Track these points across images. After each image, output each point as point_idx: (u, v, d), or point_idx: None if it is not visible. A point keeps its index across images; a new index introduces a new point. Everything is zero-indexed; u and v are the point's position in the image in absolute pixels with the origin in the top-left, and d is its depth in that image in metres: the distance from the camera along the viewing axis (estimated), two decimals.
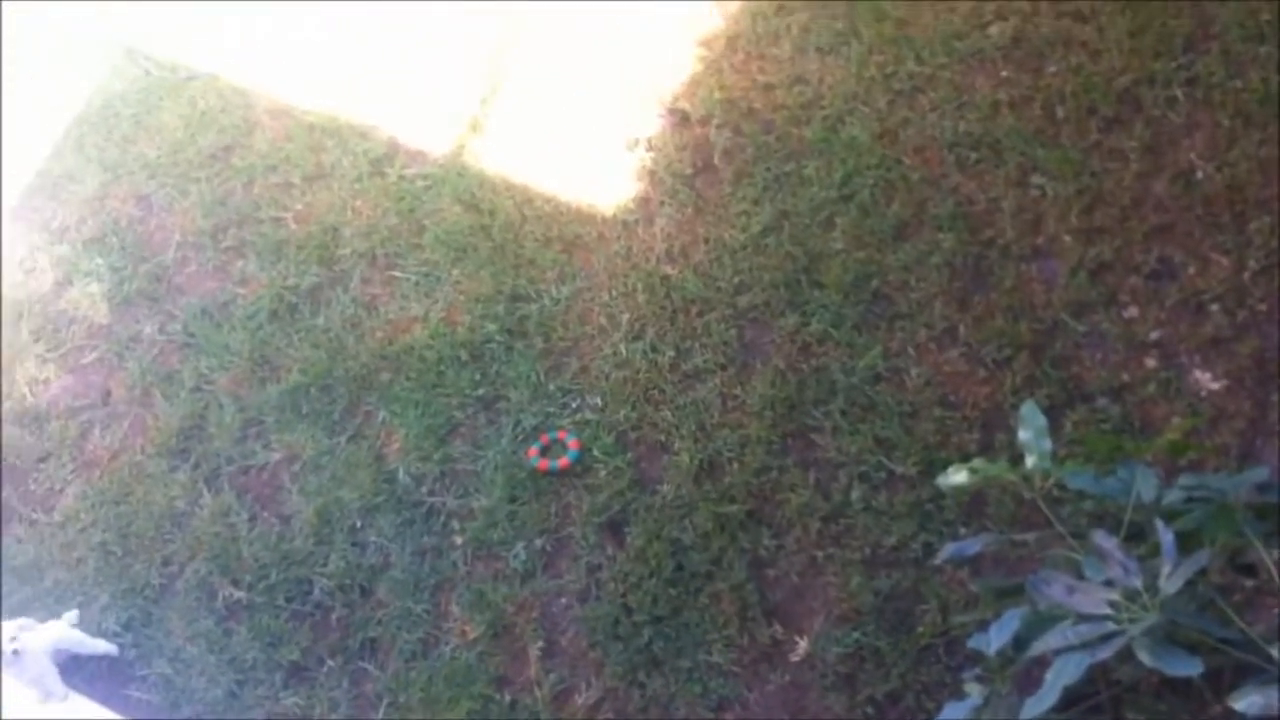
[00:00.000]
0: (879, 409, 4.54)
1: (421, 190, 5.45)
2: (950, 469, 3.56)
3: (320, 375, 5.03)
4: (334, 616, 4.56)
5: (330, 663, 4.48)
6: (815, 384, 4.64)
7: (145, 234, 5.61)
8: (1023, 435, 3.46)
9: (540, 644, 4.36)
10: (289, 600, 4.60)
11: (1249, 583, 3.82)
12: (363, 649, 4.48)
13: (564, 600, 4.44)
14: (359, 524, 4.71)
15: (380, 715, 4.34)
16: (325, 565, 4.65)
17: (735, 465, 4.54)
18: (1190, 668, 2.81)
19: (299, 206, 5.54)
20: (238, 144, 5.79)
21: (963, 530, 4.27)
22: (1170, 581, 2.95)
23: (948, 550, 3.65)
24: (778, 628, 4.25)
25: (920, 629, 4.15)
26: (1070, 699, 3.03)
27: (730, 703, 4.16)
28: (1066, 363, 4.51)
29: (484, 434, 4.80)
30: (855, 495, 4.41)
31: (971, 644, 3.33)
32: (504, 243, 5.21)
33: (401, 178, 5.50)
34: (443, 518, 4.67)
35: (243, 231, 5.52)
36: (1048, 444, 3.41)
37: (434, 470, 4.75)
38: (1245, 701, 2.74)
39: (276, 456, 4.91)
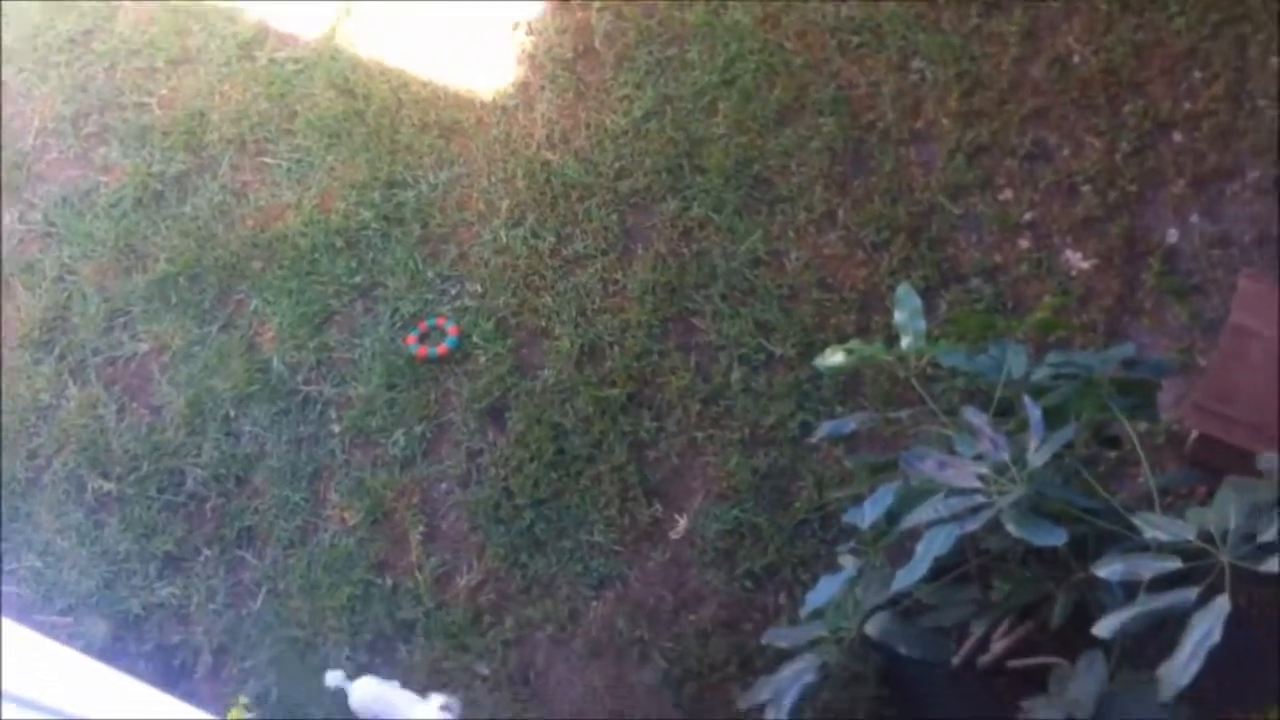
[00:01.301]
0: (759, 292, 4.57)
1: (293, 74, 5.29)
2: (827, 350, 3.61)
3: (189, 264, 4.89)
4: (208, 506, 4.49)
5: (206, 552, 4.42)
6: (696, 268, 4.65)
7: (3, 121, 5.38)
8: (898, 316, 3.50)
9: (421, 529, 4.35)
10: (161, 491, 4.52)
11: (1112, 454, 3.96)
12: (239, 538, 4.43)
13: (444, 486, 4.43)
14: (233, 414, 4.62)
15: (259, 603, 4.30)
16: (198, 456, 4.56)
17: (616, 349, 4.54)
18: (1055, 538, 2.89)
19: (164, 91, 5.34)
20: (99, 28, 5.55)
21: (839, 409, 4.34)
22: (1037, 455, 3.02)
23: (824, 429, 3.70)
24: (658, 507, 4.30)
25: (797, 505, 4.23)
26: (940, 569, 3.12)
27: (611, 580, 4.21)
28: (942, 244, 4.58)
29: (361, 322, 4.73)
30: (735, 377, 4.45)
31: (846, 519, 3.40)
32: (379, 128, 5.09)
33: (272, 61, 5.33)
34: (319, 406, 4.60)
35: (105, 118, 5.31)
36: (922, 325, 3.46)
37: (310, 359, 4.67)
38: (1108, 569, 2.84)
39: (145, 347, 4.79)
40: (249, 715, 1.30)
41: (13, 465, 4.62)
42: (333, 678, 3.95)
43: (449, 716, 3.82)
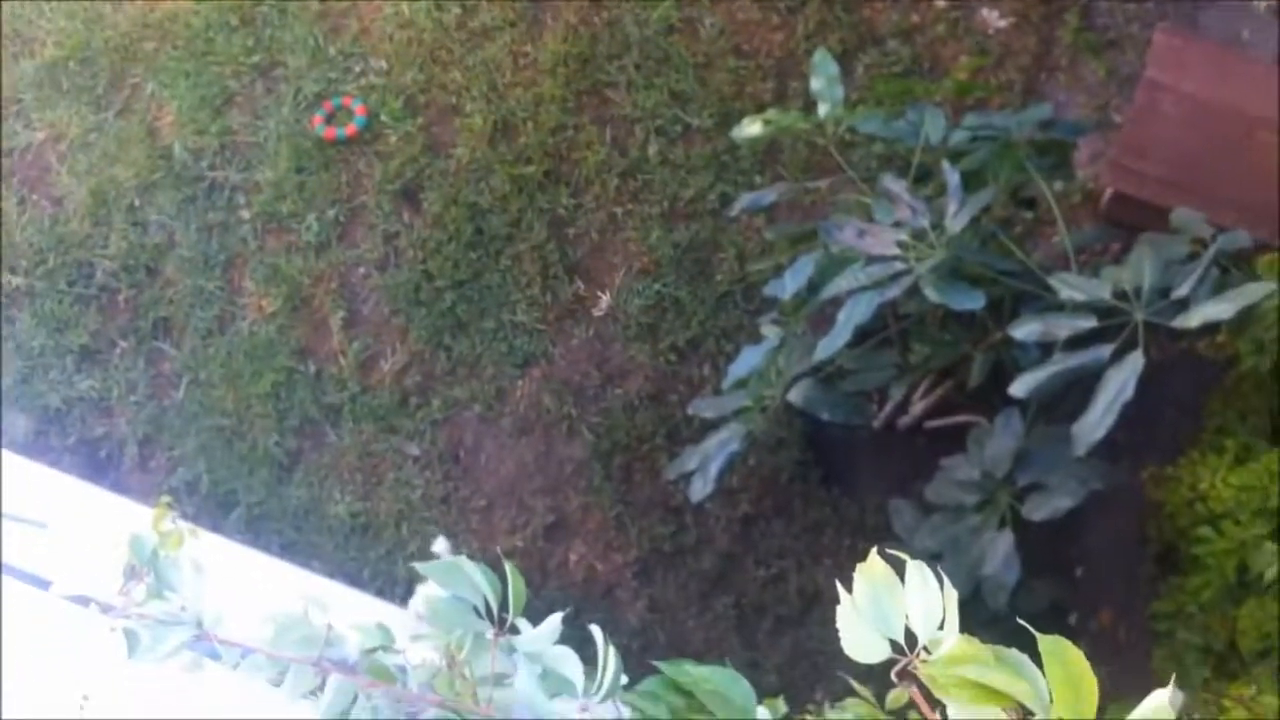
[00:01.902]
0: (673, 61, 4.45)
1: None
2: (745, 120, 3.56)
3: (78, 48, 4.64)
4: (121, 298, 4.39)
5: (122, 344, 4.35)
6: (608, 38, 4.51)
7: None
8: (815, 84, 3.45)
9: (341, 314, 4.30)
10: (71, 284, 4.40)
11: (1029, 215, 3.98)
12: (155, 329, 4.36)
13: (362, 270, 4.37)
14: (137, 203, 4.48)
15: (181, 394, 4.27)
16: (106, 247, 4.44)
17: (530, 125, 4.43)
18: (974, 301, 2.92)
19: None
20: None
21: (758, 179, 4.30)
22: (956, 220, 3.03)
23: (743, 201, 3.68)
24: (580, 284, 4.28)
25: (718, 277, 4.23)
26: (860, 336, 3.15)
27: (536, 359, 4.21)
28: (858, 6, 4.47)
29: (263, 103, 4.55)
30: (652, 150, 4.38)
31: (767, 290, 3.42)
32: None
33: None
34: (227, 192, 4.47)
35: None
36: (840, 91, 3.42)
37: (213, 144, 4.51)
38: (1024, 329, 2.88)
39: (40, 136, 4.59)
40: (172, 510, 1.29)
41: None
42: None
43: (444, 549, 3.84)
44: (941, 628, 0.99)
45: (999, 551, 3.09)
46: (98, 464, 4.21)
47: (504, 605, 1.34)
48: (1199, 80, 3.85)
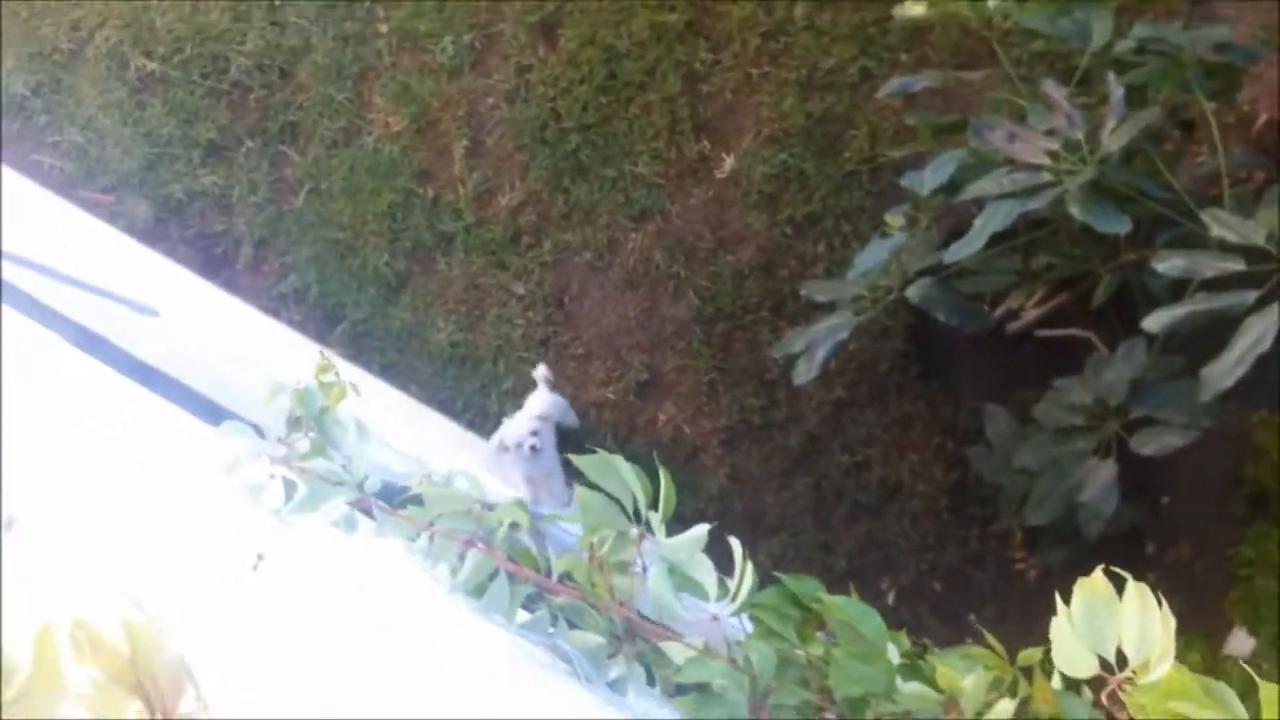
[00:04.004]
0: None
1: None
2: (908, 1, 3.42)
3: None
4: (252, 97, 4.41)
5: (249, 144, 4.38)
6: None
7: None
8: None
9: (465, 142, 4.28)
10: (204, 77, 4.42)
11: (1177, 133, 3.84)
12: (282, 133, 4.38)
13: (491, 100, 4.33)
14: (278, 2, 4.45)
15: (300, 201, 4.30)
16: (243, 43, 4.43)
17: None
18: (1120, 225, 2.84)
19: None
20: None
21: (904, 57, 4.19)
22: (1113, 138, 2.93)
23: (892, 85, 3.57)
24: (706, 143, 4.22)
25: (846, 155, 4.15)
26: (989, 241, 3.07)
27: (653, 214, 4.18)
28: None
29: None
30: (798, 12, 4.26)
31: (905, 182, 3.33)
32: None
33: None
34: (367, 3, 4.43)
35: None
36: None
37: None
38: (1168, 263, 2.79)
39: None
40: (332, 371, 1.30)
41: (55, 35, 4.50)
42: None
43: (547, 376, 3.89)
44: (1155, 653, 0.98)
45: (1100, 480, 3.06)
46: (213, 260, 4.27)
47: (653, 504, 1.35)
48: None
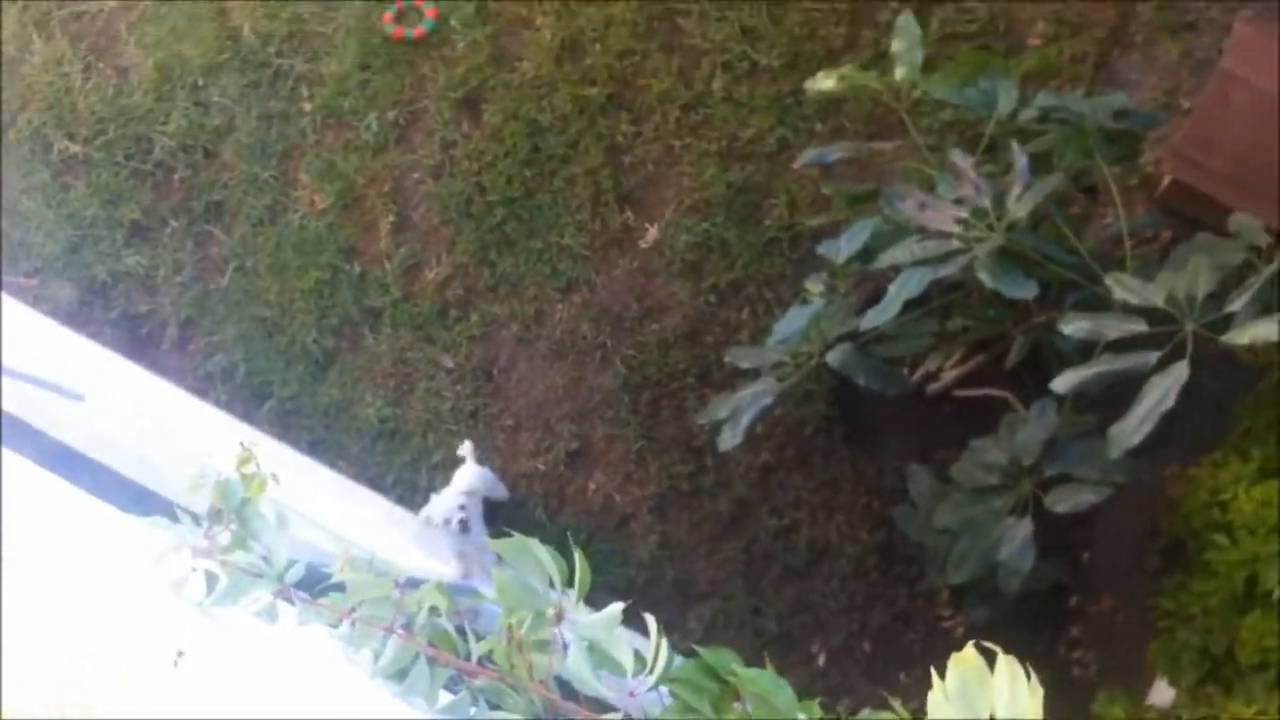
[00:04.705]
0: None
1: None
2: (820, 75, 3.52)
3: None
4: (176, 177, 4.43)
5: (174, 223, 4.39)
6: None
7: None
8: (896, 45, 3.41)
9: (391, 218, 4.33)
10: (128, 158, 4.44)
11: (1083, 198, 3.96)
12: (207, 212, 4.40)
13: (416, 175, 4.38)
14: (201, 82, 4.49)
15: (226, 280, 4.32)
16: (166, 124, 4.46)
17: (598, 46, 4.42)
18: (1027, 290, 2.93)
19: None
20: None
21: (819, 127, 4.30)
22: (1020, 204, 3.03)
23: (808, 155, 3.66)
24: (630, 215, 4.29)
25: (767, 223, 4.24)
26: (905, 306, 3.15)
27: (579, 285, 4.24)
28: None
29: None
30: (717, 85, 4.37)
31: (821, 250, 3.41)
32: None
33: None
34: (291, 81, 4.48)
35: None
36: (919, 56, 3.38)
37: (282, 30, 4.51)
38: (1074, 326, 2.88)
39: (112, 4, 4.58)
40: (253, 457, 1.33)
41: None
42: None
43: (473, 450, 3.91)
44: None
45: (1017, 538, 3.14)
46: (138, 341, 4.27)
47: (569, 582, 1.39)
48: (1276, 77, 3.80)
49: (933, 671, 1.09)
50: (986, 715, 1.04)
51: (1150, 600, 3.56)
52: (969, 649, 1.08)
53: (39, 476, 1.89)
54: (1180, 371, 2.76)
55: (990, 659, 1.06)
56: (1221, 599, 3.21)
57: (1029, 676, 1.04)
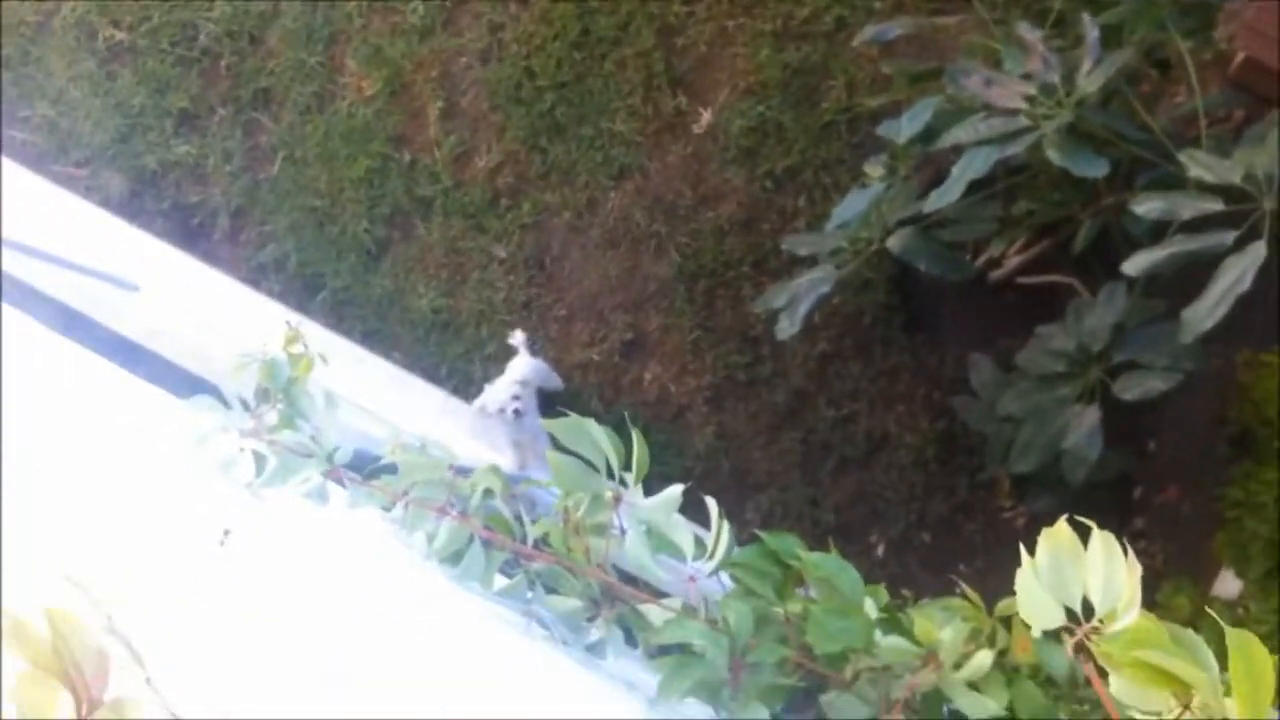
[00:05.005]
0: None
1: None
2: None
3: None
4: (223, 64, 4.36)
5: (221, 111, 4.33)
6: None
7: None
8: None
9: (440, 104, 4.24)
10: (174, 45, 4.37)
11: (1154, 73, 3.81)
12: (255, 99, 4.33)
13: (464, 60, 4.28)
14: None
15: (276, 169, 4.26)
16: (210, 10, 4.38)
17: None
18: (1098, 168, 2.82)
19: None
20: None
21: (878, 4, 4.15)
22: (1090, 79, 2.90)
23: (867, 33, 3.53)
24: (683, 98, 4.18)
25: (824, 105, 4.12)
26: (969, 187, 3.05)
27: (631, 171, 4.15)
28: None
29: None
30: None
31: (881, 130, 3.30)
32: None
33: None
34: None
35: None
36: None
37: None
38: (1147, 205, 2.77)
39: None
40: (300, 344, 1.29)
41: (21, 8, 4.44)
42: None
43: (525, 340, 3.88)
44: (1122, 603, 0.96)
45: (1084, 425, 3.06)
46: (190, 231, 4.24)
47: (626, 465, 1.34)
48: None
49: (1021, 550, 1.03)
50: (1079, 594, 0.98)
51: (1218, 490, 3.50)
52: (1061, 523, 1.02)
53: (91, 361, 1.87)
54: (1258, 251, 2.65)
55: (1084, 536, 1.01)
56: None
57: (1126, 553, 0.98)
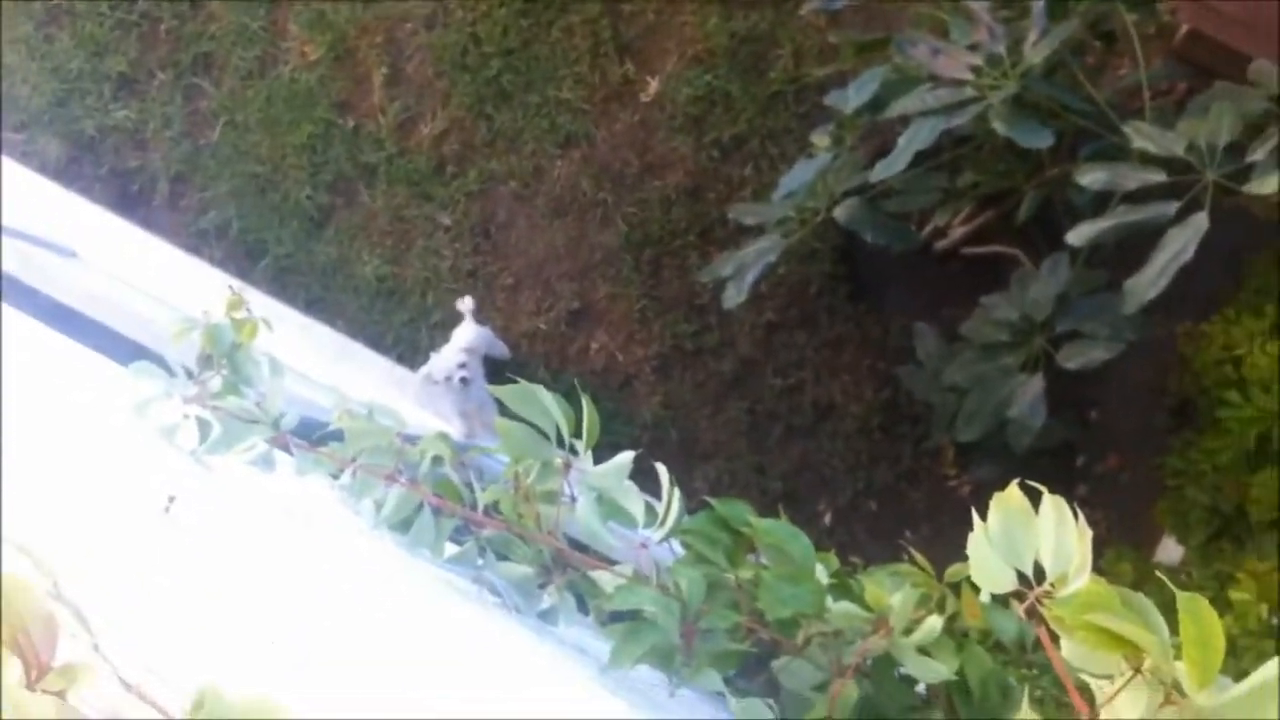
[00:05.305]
0: None
1: None
2: None
3: None
4: (162, 28, 4.27)
5: (161, 76, 4.25)
6: None
7: None
8: None
9: (384, 70, 4.19)
10: (112, 8, 4.27)
11: (1098, 44, 3.84)
12: (195, 64, 4.25)
13: (409, 25, 4.23)
14: None
15: (217, 134, 4.19)
16: None
17: None
18: (1042, 139, 2.84)
19: None
20: None
21: None
22: (1035, 51, 2.92)
23: (815, 2, 3.54)
24: (630, 67, 4.16)
25: (771, 75, 4.11)
26: (915, 159, 3.07)
27: (578, 139, 4.12)
28: None
29: None
30: None
31: (828, 100, 3.30)
32: None
33: None
34: None
35: None
36: None
37: None
38: (1091, 176, 2.79)
39: None
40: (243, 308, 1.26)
41: None
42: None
43: (472, 307, 3.86)
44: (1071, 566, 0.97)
45: (1028, 394, 3.09)
46: (129, 197, 4.17)
47: (576, 431, 1.33)
48: None
49: (974, 514, 1.03)
50: (1031, 558, 0.99)
51: (1159, 459, 3.55)
52: (1012, 488, 1.02)
53: (32, 329, 1.83)
54: (1200, 223, 2.69)
55: (1034, 501, 1.01)
56: (1232, 456, 3.18)
57: (1077, 517, 0.99)
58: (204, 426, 1.33)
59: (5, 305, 1.87)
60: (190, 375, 1.36)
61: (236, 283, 3.83)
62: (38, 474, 1.05)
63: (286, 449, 1.37)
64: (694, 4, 4.17)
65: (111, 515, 1.05)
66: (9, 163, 4.03)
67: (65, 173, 4.13)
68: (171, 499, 1.05)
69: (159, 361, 1.43)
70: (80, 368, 1.71)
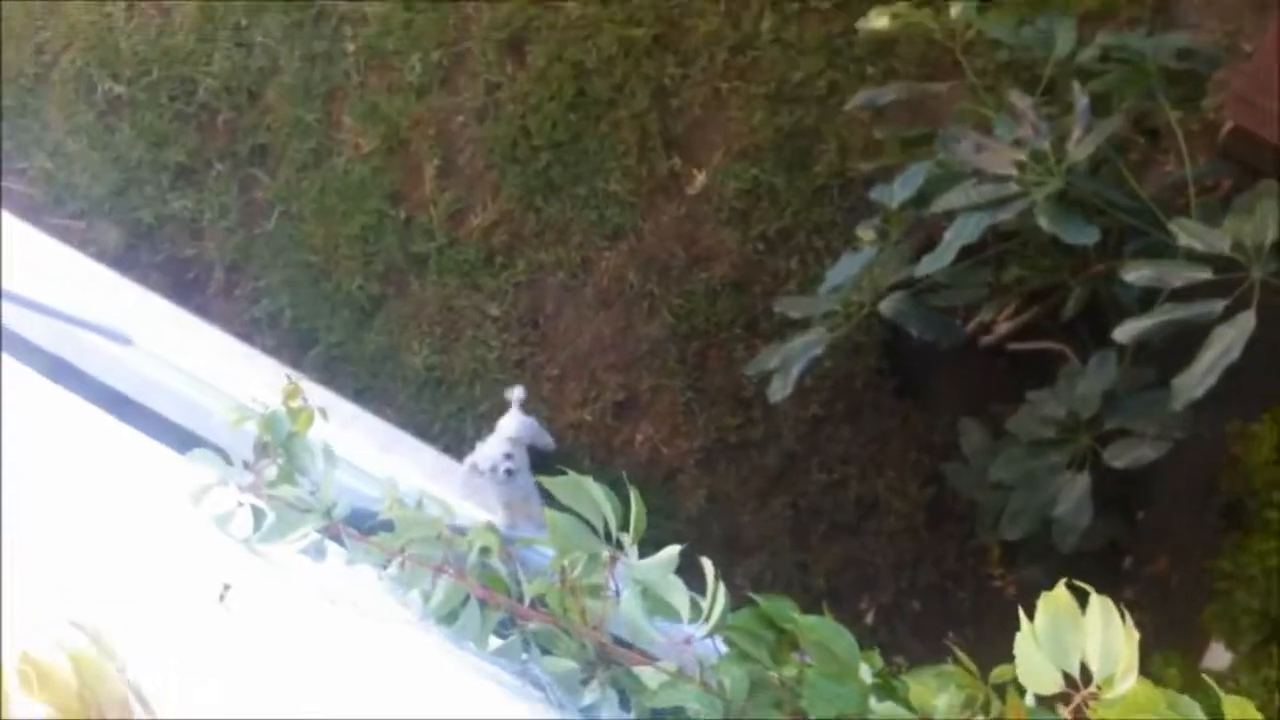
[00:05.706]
0: None
1: None
2: (872, 13, 3.42)
3: None
4: (220, 119, 4.39)
5: (218, 166, 4.35)
6: None
7: None
8: None
9: (436, 162, 4.27)
10: (172, 99, 4.40)
11: (1142, 140, 3.85)
12: (252, 155, 4.36)
13: (461, 118, 4.32)
14: (244, 22, 4.43)
15: (272, 224, 4.28)
16: (209, 65, 4.41)
17: None
18: (1088, 236, 2.84)
19: None
20: None
21: (870, 70, 4.19)
22: (1080, 147, 2.93)
23: (860, 98, 3.58)
24: (677, 159, 4.21)
25: (817, 169, 4.15)
26: (960, 252, 3.08)
27: (625, 232, 4.17)
28: None
29: None
30: (765, 25, 4.25)
31: (874, 195, 3.34)
32: None
33: None
34: (334, 21, 4.41)
35: None
36: None
37: None
38: (1137, 273, 2.79)
39: None
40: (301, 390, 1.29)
41: (19, 60, 4.47)
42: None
43: (521, 397, 3.88)
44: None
45: (1074, 493, 3.06)
46: (184, 285, 4.25)
47: (623, 525, 1.34)
48: None
49: (1020, 615, 1.03)
50: (1077, 659, 0.98)
51: (1207, 562, 3.49)
52: (1060, 588, 1.02)
53: (91, 415, 1.86)
54: (1246, 322, 2.67)
55: (1082, 600, 1.01)
56: None
57: (1124, 619, 0.98)
58: (258, 515, 1.35)
59: (66, 392, 1.91)
60: (246, 464, 1.38)
61: (289, 371, 3.88)
62: (96, 558, 1.07)
63: (338, 538, 1.38)
64: (740, 99, 4.23)
65: (168, 601, 1.06)
66: (70, 251, 4.13)
67: (123, 260, 4.22)
68: (227, 587, 1.06)
69: (211, 448, 1.45)
70: (136, 454, 1.74)
